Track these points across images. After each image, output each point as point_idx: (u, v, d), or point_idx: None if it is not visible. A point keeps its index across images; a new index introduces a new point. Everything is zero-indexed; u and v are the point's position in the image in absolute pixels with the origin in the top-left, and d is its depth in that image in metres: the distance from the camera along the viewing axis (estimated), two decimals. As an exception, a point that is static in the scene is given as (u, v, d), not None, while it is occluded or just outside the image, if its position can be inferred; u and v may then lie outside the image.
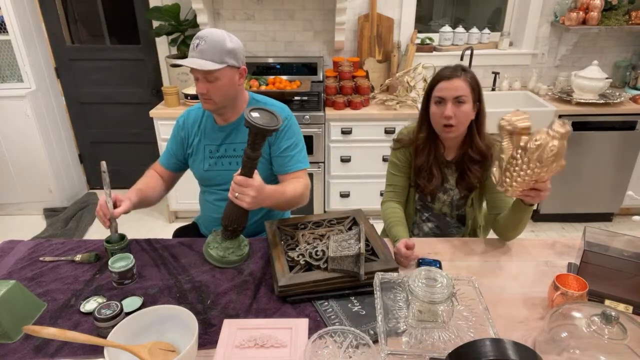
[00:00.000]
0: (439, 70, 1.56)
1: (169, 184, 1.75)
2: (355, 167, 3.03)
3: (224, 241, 1.42)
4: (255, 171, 1.32)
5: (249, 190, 1.29)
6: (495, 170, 1.33)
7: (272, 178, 1.63)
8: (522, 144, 1.21)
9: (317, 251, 1.31)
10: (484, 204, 1.70)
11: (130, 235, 1.47)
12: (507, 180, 1.28)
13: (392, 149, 1.70)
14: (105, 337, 1.02)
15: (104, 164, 1.38)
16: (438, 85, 1.51)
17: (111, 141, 3.66)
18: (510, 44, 3.38)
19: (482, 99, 1.54)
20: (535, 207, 3.21)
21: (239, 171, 1.31)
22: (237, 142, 1.59)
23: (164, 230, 3.21)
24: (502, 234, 1.55)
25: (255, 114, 1.27)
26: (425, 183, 1.63)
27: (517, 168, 1.24)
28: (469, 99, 1.48)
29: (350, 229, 1.48)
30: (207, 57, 1.41)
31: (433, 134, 1.59)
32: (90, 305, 1.23)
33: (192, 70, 1.45)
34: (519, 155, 1.22)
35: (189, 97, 2.91)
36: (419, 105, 2.89)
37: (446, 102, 1.49)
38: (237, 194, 1.30)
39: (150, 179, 1.67)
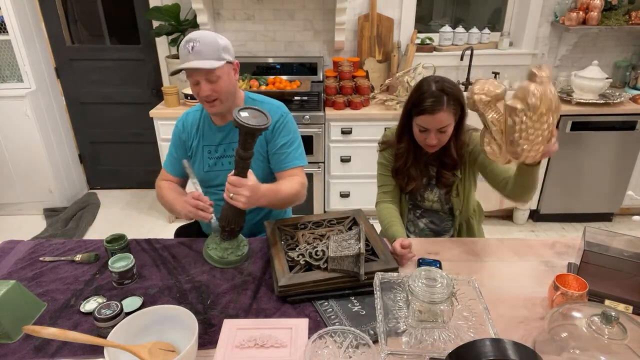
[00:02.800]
0: (420, 91, 1.49)
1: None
2: (355, 167, 3.03)
3: (223, 242, 1.42)
4: (250, 171, 1.32)
5: (243, 190, 1.28)
6: (491, 147, 1.25)
7: (270, 176, 1.62)
8: (518, 106, 1.10)
9: (317, 251, 1.31)
10: (474, 193, 1.73)
11: (130, 235, 1.47)
12: (524, 147, 1.16)
13: (379, 151, 1.72)
14: (105, 337, 1.02)
15: (185, 161, 1.49)
16: (421, 116, 1.48)
17: (111, 141, 3.66)
18: (510, 44, 3.38)
19: (464, 107, 1.51)
20: (534, 207, 3.24)
21: (233, 171, 1.32)
22: (235, 141, 1.59)
23: (164, 230, 3.21)
24: (518, 198, 1.47)
25: (244, 114, 1.26)
26: (403, 184, 1.66)
27: (528, 130, 1.13)
28: (450, 124, 1.50)
29: (350, 229, 1.48)
30: (206, 57, 1.41)
31: (413, 143, 1.60)
32: (90, 305, 1.23)
33: (192, 75, 1.43)
34: (523, 118, 1.11)
35: (189, 97, 2.91)
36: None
37: (430, 132, 1.50)
38: (231, 195, 1.30)
39: (174, 188, 1.66)
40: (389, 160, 1.69)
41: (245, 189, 1.28)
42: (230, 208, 1.35)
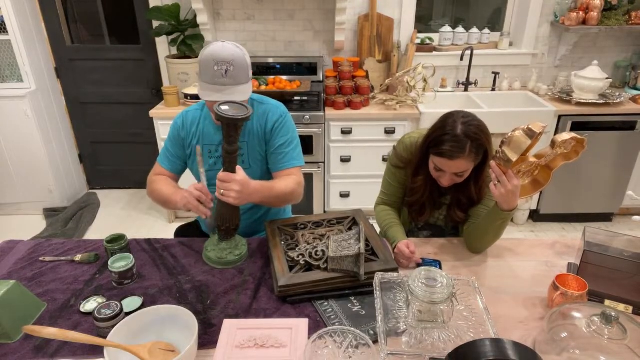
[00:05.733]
0: (442, 130, 1.37)
1: None
2: (355, 167, 3.03)
3: (221, 242, 1.42)
4: (239, 167, 1.33)
5: (232, 185, 1.29)
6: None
7: (268, 177, 1.63)
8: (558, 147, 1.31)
9: (317, 251, 1.31)
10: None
11: (130, 235, 1.47)
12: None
13: (391, 163, 1.62)
14: (105, 337, 1.02)
15: (198, 148, 1.43)
16: (438, 157, 1.39)
17: (111, 141, 3.66)
18: (510, 44, 3.37)
19: (490, 149, 1.40)
20: (534, 207, 3.23)
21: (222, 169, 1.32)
22: (235, 141, 1.60)
23: (164, 230, 3.21)
24: (473, 241, 1.49)
25: (224, 107, 1.27)
26: (416, 216, 1.61)
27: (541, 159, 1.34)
28: (469, 169, 1.41)
29: (350, 229, 1.48)
30: (240, 81, 1.42)
31: (430, 179, 1.51)
32: (90, 305, 1.23)
33: None
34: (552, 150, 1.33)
35: (188, 97, 2.91)
36: (419, 106, 2.92)
37: (445, 173, 1.42)
38: (222, 191, 1.30)
39: (170, 182, 1.63)
40: (400, 182, 1.62)
41: (235, 184, 1.29)
42: (223, 206, 1.36)
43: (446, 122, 1.38)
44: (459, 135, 1.34)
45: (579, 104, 2.91)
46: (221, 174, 1.30)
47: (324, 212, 3.21)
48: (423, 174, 1.52)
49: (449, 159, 1.36)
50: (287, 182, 1.52)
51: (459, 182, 1.47)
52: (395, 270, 1.27)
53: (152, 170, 1.71)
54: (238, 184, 1.30)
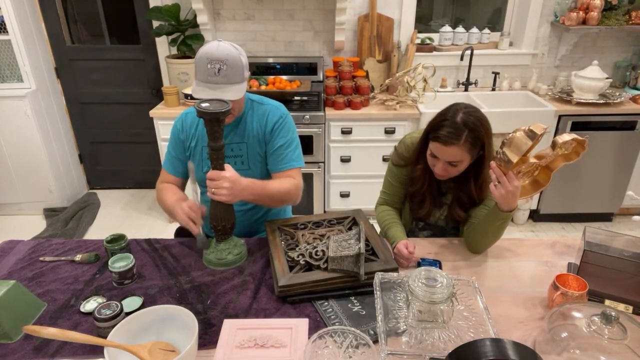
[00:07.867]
0: (443, 116, 1.40)
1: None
2: (355, 167, 3.03)
3: (219, 244, 1.42)
4: (228, 165, 1.33)
5: (222, 182, 1.29)
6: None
7: (268, 178, 1.62)
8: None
9: (317, 251, 1.31)
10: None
11: (130, 235, 1.47)
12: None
13: (392, 162, 1.63)
14: (105, 337, 1.02)
15: (190, 164, 1.44)
16: (434, 142, 1.41)
17: (111, 141, 3.66)
18: (510, 44, 3.37)
19: (488, 145, 1.42)
20: (534, 207, 3.23)
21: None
22: (234, 142, 1.59)
23: (164, 230, 3.21)
24: (473, 241, 1.49)
25: (205, 104, 1.28)
26: (417, 208, 1.61)
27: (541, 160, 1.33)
28: (464, 161, 1.42)
29: (350, 229, 1.48)
30: (234, 80, 1.41)
31: (430, 167, 1.53)
32: (90, 305, 1.23)
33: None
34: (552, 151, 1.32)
35: (189, 97, 2.91)
36: (419, 106, 2.92)
37: (439, 161, 1.43)
38: (213, 190, 1.31)
39: (175, 191, 1.63)
40: (401, 182, 1.62)
41: (224, 181, 1.29)
42: (217, 205, 1.36)
43: (448, 110, 1.41)
44: (458, 122, 1.36)
45: (579, 103, 2.91)
46: (210, 173, 1.30)
47: (324, 212, 3.21)
48: (423, 163, 1.53)
49: (443, 144, 1.38)
50: (282, 182, 1.52)
51: (456, 177, 1.47)
52: (395, 270, 1.27)
53: (159, 178, 1.71)
54: (228, 181, 1.30)
